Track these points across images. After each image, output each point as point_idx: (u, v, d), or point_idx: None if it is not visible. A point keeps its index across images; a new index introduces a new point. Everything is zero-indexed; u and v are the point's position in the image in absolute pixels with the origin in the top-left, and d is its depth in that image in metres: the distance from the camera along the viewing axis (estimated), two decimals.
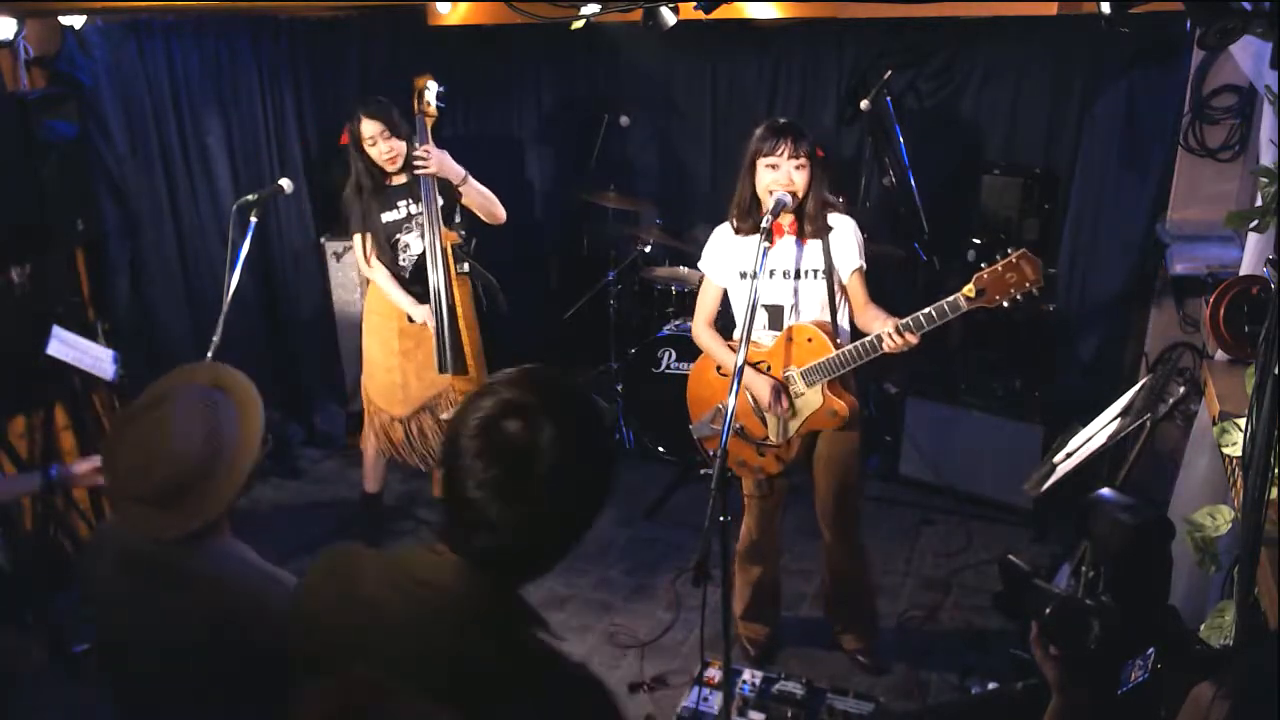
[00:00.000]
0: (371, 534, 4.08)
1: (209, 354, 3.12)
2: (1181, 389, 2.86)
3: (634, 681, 3.26)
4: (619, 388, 4.86)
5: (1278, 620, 1.86)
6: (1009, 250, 2.55)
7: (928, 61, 4.58)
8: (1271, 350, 1.54)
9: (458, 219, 3.75)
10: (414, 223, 3.69)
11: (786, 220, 2.87)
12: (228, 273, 3.22)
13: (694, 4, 2.55)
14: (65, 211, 3.57)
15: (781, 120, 2.84)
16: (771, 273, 2.90)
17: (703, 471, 2.99)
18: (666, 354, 4.54)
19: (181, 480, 1.60)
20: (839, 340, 2.88)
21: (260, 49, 4.54)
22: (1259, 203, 2.20)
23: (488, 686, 1.18)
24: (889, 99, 4.36)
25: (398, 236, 3.72)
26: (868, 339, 2.73)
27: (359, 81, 4.92)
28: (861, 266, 2.93)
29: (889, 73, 4.30)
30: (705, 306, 3.09)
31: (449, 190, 3.64)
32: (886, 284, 4.59)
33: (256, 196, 3.37)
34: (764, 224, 2.70)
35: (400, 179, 3.67)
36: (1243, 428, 1.76)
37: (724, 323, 3.12)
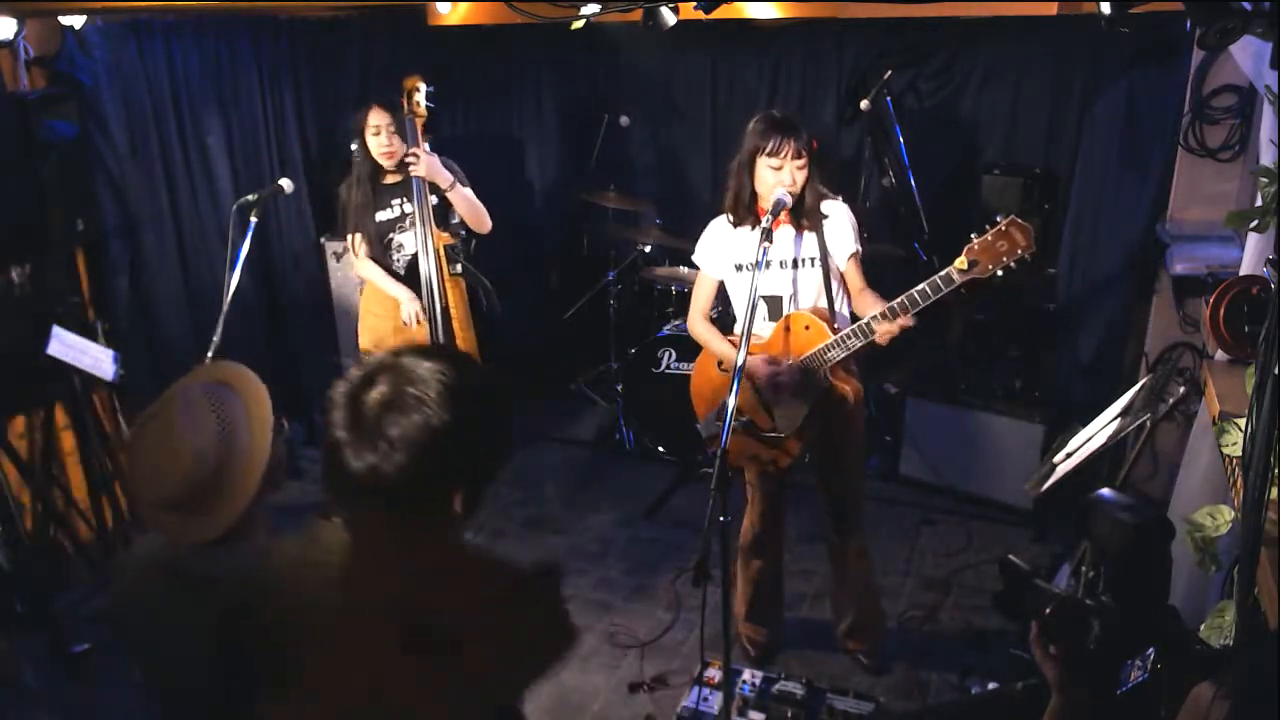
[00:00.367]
0: None
1: (209, 354, 3.12)
2: (1181, 389, 2.86)
3: (634, 681, 3.27)
4: (619, 388, 4.86)
5: (1278, 620, 1.86)
6: (998, 217, 2.53)
7: (928, 61, 4.58)
8: (1271, 350, 1.54)
9: (455, 220, 3.75)
10: (408, 222, 3.70)
11: (782, 214, 2.87)
12: (228, 273, 3.22)
13: (694, 4, 2.55)
14: (65, 211, 3.57)
15: (779, 115, 2.82)
16: (769, 264, 2.89)
17: (704, 470, 2.98)
18: (666, 354, 4.54)
19: (201, 479, 1.59)
20: (837, 326, 2.88)
21: (260, 49, 4.54)
22: (1259, 203, 2.20)
23: (440, 627, 1.27)
24: (889, 99, 4.36)
25: (391, 235, 3.73)
26: (862, 323, 2.73)
27: (359, 81, 4.92)
28: (857, 251, 2.93)
29: (889, 73, 4.30)
30: (701, 299, 3.08)
31: (440, 192, 3.65)
32: (886, 284, 4.59)
33: (256, 196, 3.37)
34: (764, 224, 2.70)
35: (395, 178, 3.69)
36: (1243, 428, 1.76)
37: (720, 318, 3.11)
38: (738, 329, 3.04)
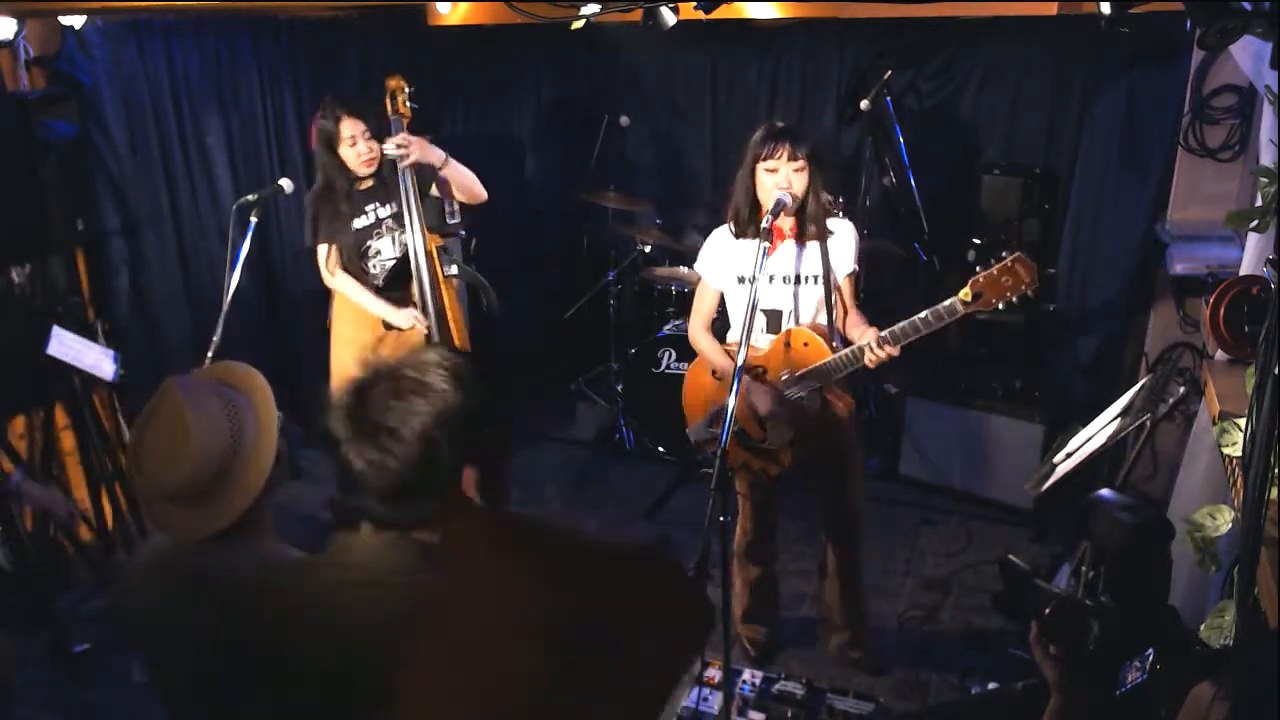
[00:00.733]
0: None
1: (209, 354, 3.12)
2: (1181, 389, 2.86)
3: None
4: (619, 388, 4.86)
5: (1278, 620, 1.86)
6: (1004, 253, 2.56)
7: (928, 61, 4.58)
8: (1271, 350, 1.54)
9: (455, 220, 3.71)
10: (384, 227, 3.56)
11: (787, 224, 2.87)
12: (228, 273, 3.21)
13: (694, 4, 2.55)
14: (65, 211, 3.56)
15: (780, 124, 2.84)
16: (771, 278, 2.89)
17: (704, 470, 2.99)
18: (666, 354, 4.54)
19: (206, 474, 1.59)
20: (835, 344, 2.88)
21: (260, 49, 4.54)
22: (1259, 203, 2.20)
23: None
24: (889, 99, 4.36)
25: (369, 243, 3.57)
26: (854, 348, 2.74)
27: (359, 81, 4.92)
28: (855, 271, 2.93)
29: (889, 73, 4.30)
30: (702, 309, 3.08)
31: (428, 184, 3.53)
32: (887, 284, 4.61)
33: (256, 196, 3.35)
34: (764, 224, 2.70)
35: (368, 183, 3.53)
36: (1243, 428, 1.76)
37: (721, 327, 3.11)
38: (731, 336, 3.05)
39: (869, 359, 2.69)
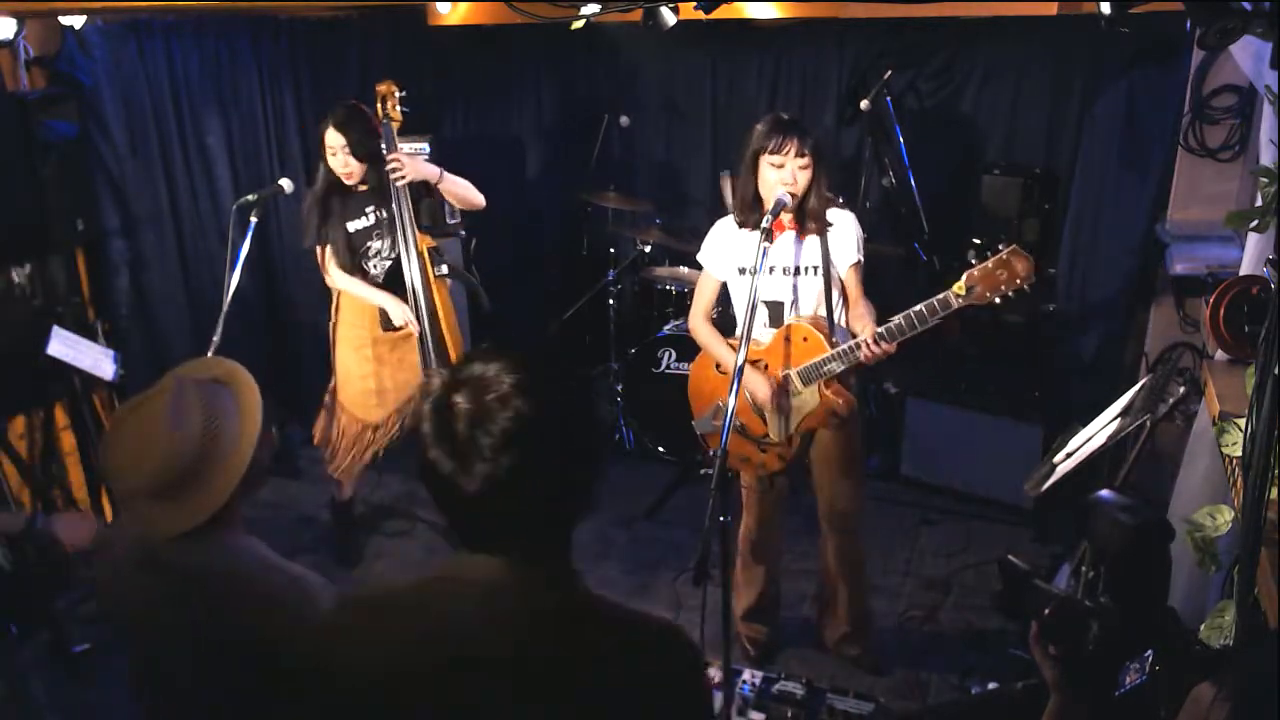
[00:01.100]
0: (341, 544, 4.07)
1: (209, 354, 3.11)
2: (1181, 389, 2.85)
3: None
4: (619, 388, 4.86)
5: (1278, 620, 1.86)
6: (1000, 246, 2.55)
7: (928, 61, 4.58)
8: (1271, 350, 1.54)
9: (455, 220, 3.72)
10: (382, 228, 3.59)
11: (787, 217, 2.87)
12: (228, 273, 3.22)
13: (694, 4, 2.55)
14: (65, 211, 3.57)
15: (785, 116, 2.83)
16: (771, 269, 2.90)
17: (703, 471, 2.99)
18: (666, 354, 4.54)
19: (177, 471, 1.58)
20: (835, 339, 2.89)
21: (260, 49, 4.54)
22: (1259, 203, 2.20)
23: (556, 663, 1.19)
24: (889, 99, 4.36)
25: (367, 244, 3.61)
26: (852, 344, 2.74)
27: (359, 81, 4.91)
28: (858, 261, 2.93)
29: (889, 73, 4.29)
30: (703, 299, 3.09)
31: (425, 190, 3.57)
32: (887, 284, 4.60)
33: (256, 196, 3.36)
34: (764, 224, 2.70)
35: (365, 186, 3.56)
36: (1243, 428, 1.76)
37: (721, 319, 3.12)
38: (739, 332, 3.05)
39: (864, 355, 2.68)
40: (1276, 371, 1.50)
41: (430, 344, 3.59)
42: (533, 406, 1.15)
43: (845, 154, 4.79)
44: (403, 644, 1.21)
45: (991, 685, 3.04)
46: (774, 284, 2.92)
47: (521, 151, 5.65)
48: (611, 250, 5.08)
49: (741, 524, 3.22)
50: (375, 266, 3.65)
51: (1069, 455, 2.67)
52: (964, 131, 4.62)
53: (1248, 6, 1.64)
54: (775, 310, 2.96)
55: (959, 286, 2.56)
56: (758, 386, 2.91)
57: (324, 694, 1.27)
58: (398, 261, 3.60)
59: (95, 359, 3.52)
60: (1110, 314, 4.25)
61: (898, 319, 2.65)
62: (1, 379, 3.54)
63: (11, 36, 3.51)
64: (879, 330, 2.66)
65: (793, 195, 2.78)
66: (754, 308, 2.61)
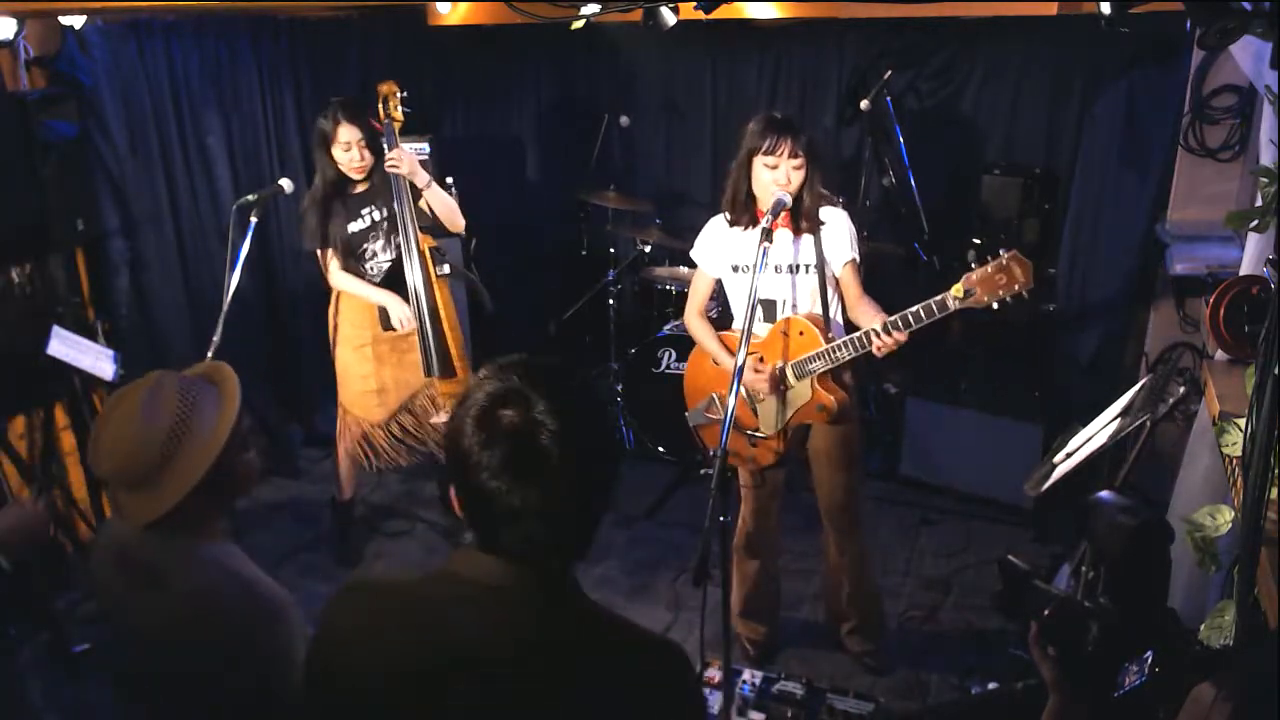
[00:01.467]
0: (341, 545, 4.08)
1: (209, 354, 3.12)
2: (1181, 389, 2.85)
3: None
4: (619, 388, 4.86)
5: (1278, 620, 1.86)
6: (1001, 251, 2.54)
7: (928, 61, 4.58)
8: (1271, 350, 1.54)
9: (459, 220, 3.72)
10: (380, 230, 3.62)
11: (782, 215, 2.87)
12: (228, 273, 3.22)
13: (694, 4, 2.55)
14: (65, 211, 3.56)
15: (778, 116, 2.82)
16: (766, 267, 2.89)
17: (703, 471, 2.99)
18: (666, 354, 4.54)
19: (143, 460, 1.60)
20: (830, 334, 2.88)
21: (260, 49, 4.54)
22: (1259, 203, 2.20)
23: (556, 667, 1.19)
24: (889, 99, 4.36)
25: (365, 246, 3.63)
26: (857, 334, 2.73)
27: (359, 81, 4.92)
28: (854, 259, 2.92)
29: (889, 73, 4.29)
30: (697, 296, 3.09)
31: (416, 192, 3.58)
32: (887, 284, 4.60)
33: (256, 196, 3.36)
34: (764, 224, 2.70)
35: (363, 187, 3.59)
36: (1243, 428, 1.76)
37: (723, 318, 3.11)
38: (736, 325, 3.05)
39: (876, 345, 2.67)
40: (1276, 371, 1.50)
41: (431, 345, 3.60)
42: (574, 419, 1.17)
43: (845, 154, 4.79)
44: (403, 644, 1.21)
45: (991, 685, 3.04)
46: (769, 282, 2.92)
47: (521, 151, 5.65)
48: (611, 250, 5.08)
49: (738, 521, 3.21)
50: (373, 268, 3.67)
51: (1069, 455, 2.67)
52: (964, 131, 4.62)
53: (1248, 6, 1.63)
54: (769, 308, 2.96)
55: (957, 289, 2.55)
56: (749, 381, 2.90)
57: (325, 694, 1.28)
58: (397, 262, 3.61)
59: (95, 359, 3.51)
60: (1110, 314, 4.25)
61: (894, 317, 2.65)
62: (1, 379, 3.53)
63: (11, 36, 3.51)
64: (891, 320, 2.65)
65: (790, 195, 2.78)
66: (753, 311, 2.61)
